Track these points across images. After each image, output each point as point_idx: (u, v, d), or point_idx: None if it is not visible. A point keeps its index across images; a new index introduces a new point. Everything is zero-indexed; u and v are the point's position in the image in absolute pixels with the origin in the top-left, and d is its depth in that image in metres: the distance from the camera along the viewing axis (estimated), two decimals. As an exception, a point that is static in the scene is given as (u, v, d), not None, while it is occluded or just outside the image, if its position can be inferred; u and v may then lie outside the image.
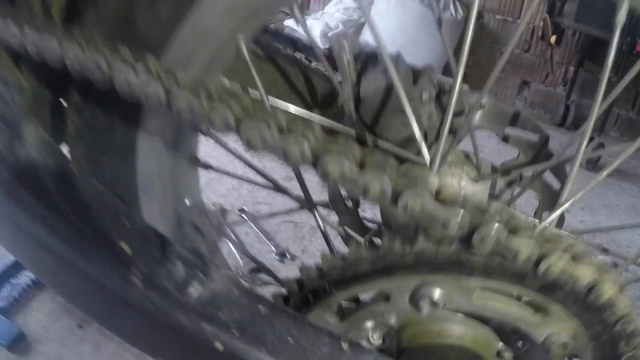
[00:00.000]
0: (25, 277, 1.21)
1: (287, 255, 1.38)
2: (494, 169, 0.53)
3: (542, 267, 0.32)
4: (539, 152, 0.54)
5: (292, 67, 0.54)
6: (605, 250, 0.57)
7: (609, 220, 1.84)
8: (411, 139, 0.41)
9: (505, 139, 0.55)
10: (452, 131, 0.47)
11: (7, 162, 0.37)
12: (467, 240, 0.32)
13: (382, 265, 0.39)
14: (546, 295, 0.36)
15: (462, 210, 0.31)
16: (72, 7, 0.43)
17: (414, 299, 0.39)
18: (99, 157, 0.46)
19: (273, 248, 1.39)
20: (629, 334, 0.39)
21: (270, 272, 0.60)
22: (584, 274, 0.32)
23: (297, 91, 0.55)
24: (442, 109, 0.52)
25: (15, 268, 1.22)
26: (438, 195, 0.32)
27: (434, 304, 0.39)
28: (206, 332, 0.32)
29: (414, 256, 0.37)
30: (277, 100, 0.49)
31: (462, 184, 0.52)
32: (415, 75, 0.51)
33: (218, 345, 0.32)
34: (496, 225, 0.31)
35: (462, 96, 0.49)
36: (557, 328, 0.38)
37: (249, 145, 0.32)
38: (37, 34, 0.36)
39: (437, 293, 0.38)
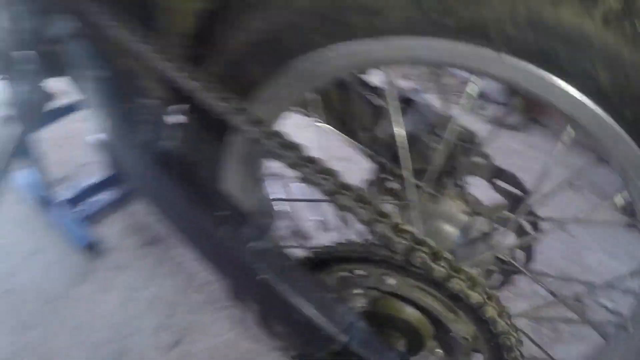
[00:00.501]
0: (110, 195, 1.47)
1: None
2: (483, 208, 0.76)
3: (450, 285, 0.54)
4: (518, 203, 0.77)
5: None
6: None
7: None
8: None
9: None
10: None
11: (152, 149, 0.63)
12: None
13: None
14: (454, 302, 0.58)
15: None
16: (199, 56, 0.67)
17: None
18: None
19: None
20: (508, 347, 0.60)
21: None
22: (474, 296, 0.54)
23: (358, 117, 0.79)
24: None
25: (102, 185, 1.49)
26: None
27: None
28: (254, 267, 0.56)
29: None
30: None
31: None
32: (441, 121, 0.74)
33: (259, 276, 0.56)
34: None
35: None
36: (462, 327, 0.60)
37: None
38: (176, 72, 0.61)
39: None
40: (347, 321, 0.55)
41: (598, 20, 0.41)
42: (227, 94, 0.59)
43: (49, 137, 1.57)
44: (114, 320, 1.19)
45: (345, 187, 0.53)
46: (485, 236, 0.78)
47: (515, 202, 0.79)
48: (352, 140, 0.82)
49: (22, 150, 1.31)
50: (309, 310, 0.54)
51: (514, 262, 0.78)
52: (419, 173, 0.74)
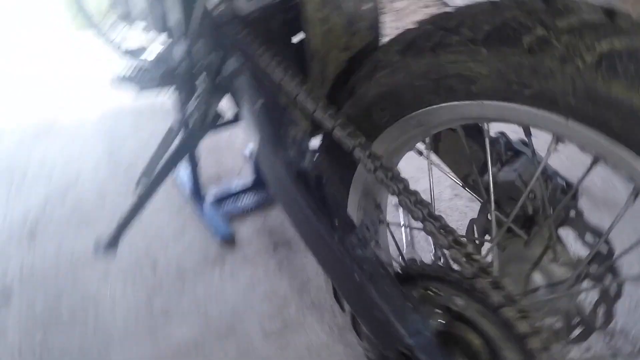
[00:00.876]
0: (252, 199, 1.71)
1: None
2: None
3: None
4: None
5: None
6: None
7: None
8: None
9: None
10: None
11: (292, 166, 0.80)
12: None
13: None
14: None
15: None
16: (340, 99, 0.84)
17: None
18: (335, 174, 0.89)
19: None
20: None
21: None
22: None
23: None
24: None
25: (247, 189, 1.74)
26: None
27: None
28: (353, 268, 0.71)
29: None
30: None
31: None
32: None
33: (356, 276, 0.71)
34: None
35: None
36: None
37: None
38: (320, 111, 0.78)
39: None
40: (416, 328, 0.67)
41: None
42: (355, 132, 0.75)
43: (210, 143, 1.89)
44: (231, 301, 1.40)
45: (435, 219, 0.66)
46: (568, 287, 0.84)
47: (601, 259, 0.84)
48: (459, 182, 0.94)
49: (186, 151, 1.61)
50: (387, 312, 0.67)
51: (591, 319, 0.83)
52: (517, 219, 0.84)
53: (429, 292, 0.76)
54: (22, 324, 1.34)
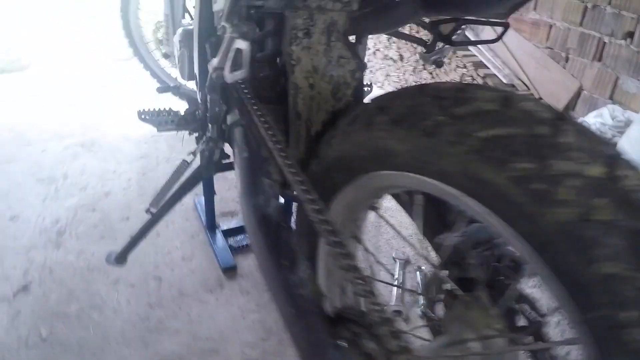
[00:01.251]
0: None
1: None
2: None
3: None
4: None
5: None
6: None
7: None
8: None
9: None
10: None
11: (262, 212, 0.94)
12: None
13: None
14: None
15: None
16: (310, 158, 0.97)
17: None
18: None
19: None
20: None
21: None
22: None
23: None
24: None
25: None
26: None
27: None
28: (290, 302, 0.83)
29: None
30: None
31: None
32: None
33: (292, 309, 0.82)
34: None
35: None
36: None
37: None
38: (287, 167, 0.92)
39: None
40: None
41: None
42: (310, 190, 0.88)
43: (234, 180, 2.06)
44: (220, 326, 1.52)
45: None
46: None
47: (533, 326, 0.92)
48: (408, 242, 1.04)
49: (205, 183, 1.78)
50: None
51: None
52: (462, 280, 0.93)
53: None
54: (33, 314, 1.51)
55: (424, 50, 1.20)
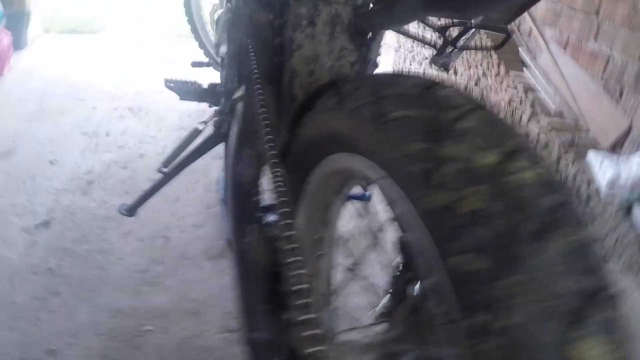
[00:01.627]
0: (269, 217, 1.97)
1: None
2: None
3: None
4: None
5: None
6: None
7: None
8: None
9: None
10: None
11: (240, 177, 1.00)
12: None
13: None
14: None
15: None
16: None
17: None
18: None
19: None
20: None
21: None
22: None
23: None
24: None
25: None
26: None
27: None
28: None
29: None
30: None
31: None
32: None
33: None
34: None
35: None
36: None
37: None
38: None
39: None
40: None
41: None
42: (278, 163, 0.94)
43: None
44: (209, 292, 1.61)
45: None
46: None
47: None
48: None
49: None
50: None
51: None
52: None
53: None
54: (47, 247, 1.66)
55: (435, 54, 1.23)
